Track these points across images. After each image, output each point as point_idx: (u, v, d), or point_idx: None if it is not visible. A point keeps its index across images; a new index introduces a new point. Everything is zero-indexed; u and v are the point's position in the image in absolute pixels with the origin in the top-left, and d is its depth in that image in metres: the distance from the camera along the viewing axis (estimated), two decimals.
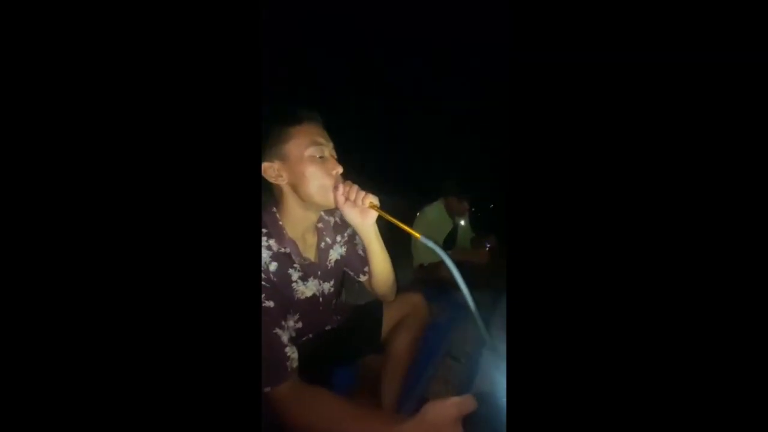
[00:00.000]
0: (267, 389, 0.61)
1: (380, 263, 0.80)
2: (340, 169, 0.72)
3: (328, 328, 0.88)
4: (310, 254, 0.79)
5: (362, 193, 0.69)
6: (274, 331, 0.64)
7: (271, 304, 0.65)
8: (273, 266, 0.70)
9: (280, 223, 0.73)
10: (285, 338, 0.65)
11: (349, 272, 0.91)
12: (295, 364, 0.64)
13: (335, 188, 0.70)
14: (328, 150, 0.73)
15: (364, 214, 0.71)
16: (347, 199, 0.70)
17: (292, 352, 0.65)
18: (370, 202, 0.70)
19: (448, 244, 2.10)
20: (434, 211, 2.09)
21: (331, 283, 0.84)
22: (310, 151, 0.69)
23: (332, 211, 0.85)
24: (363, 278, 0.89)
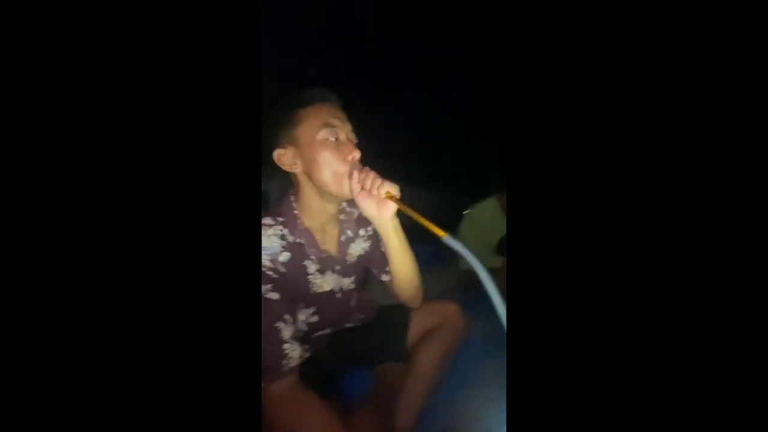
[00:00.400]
0: (261, 385, 0.57)
1: (401, 263, 0.71)
2: (357, 154, 0.64)
3: (348, 325, 0.83)
4: (331, 246, 0.73)
5: (378, 181, 0.61)
6: (276, 325, 0.60)
7: (275, 295, 0.61)
8: (284, 257, 0.65)
9: (296, 212, 0.68)
10: (286, 333, 0.61)
11: (372, 270, 0.82)
12: (293, 364, 0.60)
13: (350, 175, 0.63)
14: (344, 132, 0.65)
15: (381, 205, 0.63)
16: (363, 187, 0.62)
17: (291, 350, 0.60)
18: (387, 192, 0.61)
19: (502, 249, 1.77)
20: (486, 210, 1.79)
21: (352, 279, 0.77)
22: (323, 134, 0.62)
23: None
24: (385, 278, 0.79)
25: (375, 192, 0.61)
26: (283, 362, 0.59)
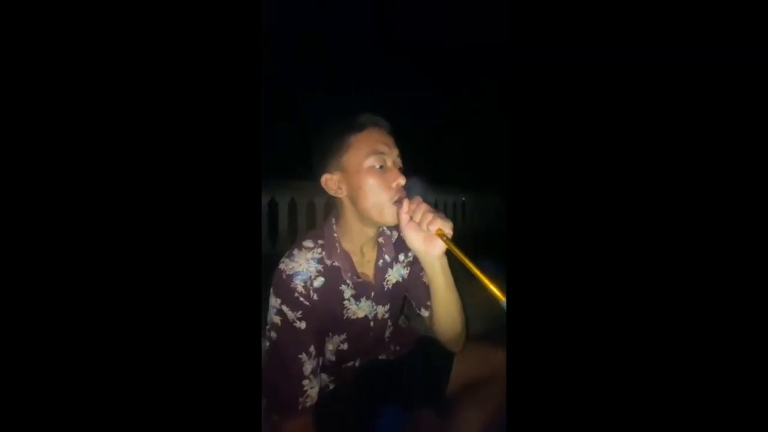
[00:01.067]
0: (275, 418, 0.56)
1: (444, 303, 0.65)
2: (402, 181, 0.62)
3: (382, 357, 0.77)
4: (368, 270, 0.70)
5: (430, 216, 0.56)
6: (299, 356, 0.58)
7: (303, 325, 0.59)
8: (318, 282, 0.63)
9: (335, 235, 0.67)
10: (308, 368, 0.58)
11: (411, 301, 0.77)
12: (309, 402, 0.58)
13: (398, 203, 0.59)
14: (391, 159, 0.63)
15: (429, 241, 0.58)
16: (411, 218, 0.58)
17: (310, 387, 0.58)
18: (438, 230, 0.55)
19: None
20: None
21: (387, 307, 0.72)
22: (369, 162, 0.61)
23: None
24: (425, 313, 0.73)
25: (425, 227, 0.56)
26: (300, 399, 0.57)
